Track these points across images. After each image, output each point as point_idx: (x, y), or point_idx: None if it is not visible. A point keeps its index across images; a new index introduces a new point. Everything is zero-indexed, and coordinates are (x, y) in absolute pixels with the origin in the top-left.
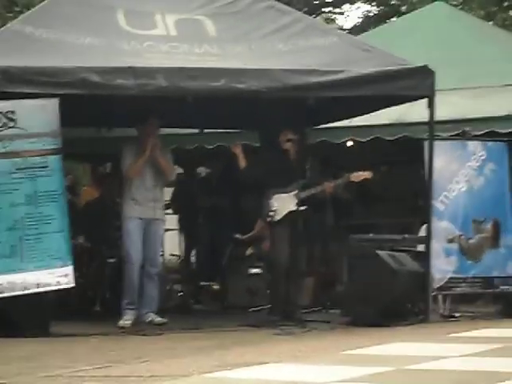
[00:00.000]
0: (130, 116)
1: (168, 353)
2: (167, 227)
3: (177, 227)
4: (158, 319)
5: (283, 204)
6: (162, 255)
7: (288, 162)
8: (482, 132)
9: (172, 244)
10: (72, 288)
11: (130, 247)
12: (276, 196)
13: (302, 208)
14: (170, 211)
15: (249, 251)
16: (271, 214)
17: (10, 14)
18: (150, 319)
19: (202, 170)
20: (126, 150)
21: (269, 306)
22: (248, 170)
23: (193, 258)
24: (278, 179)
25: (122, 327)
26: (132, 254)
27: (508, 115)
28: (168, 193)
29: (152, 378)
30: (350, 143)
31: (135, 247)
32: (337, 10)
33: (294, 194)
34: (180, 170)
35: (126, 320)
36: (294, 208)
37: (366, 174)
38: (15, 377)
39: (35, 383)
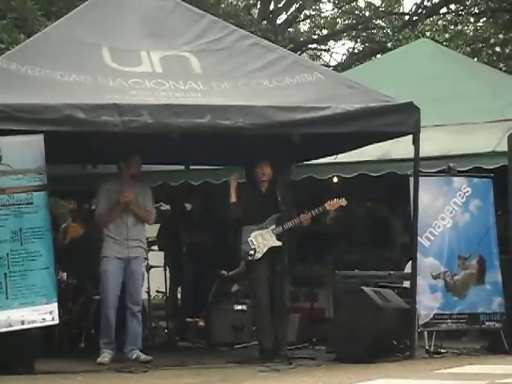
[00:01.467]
0: (114, 153)
1: None
2: (153, 264)
3: (162, 264)
4: (143, 357)
5: (262, 241)
6: (148, 292)
7: (262, 197)
8: (467, 168)
9: (158, 281)
10: (57, 325)
11: (107, 288)
12: (254, 233)
13: (280, 243)
14: (155, 248)
15: (234, 288)
16: (251, 252)
17: None
18: (135, 356)
19: (189, 206)
20: (101, 191)
21: (255, 343)
22: (233, 207)
23: (179, 295)
24: (253, 215)
25: (101, 363)
26: (109, 295)
27: (493, 151)
28: (154, 229)
29: None
30: (335, 179)
31: (112, 288)
32: (322, 47)
33: (271, 229)
34: (166, 207)
35: (104, 357)
36: (273, 244)
37: (340, 202)
38: None
39: None
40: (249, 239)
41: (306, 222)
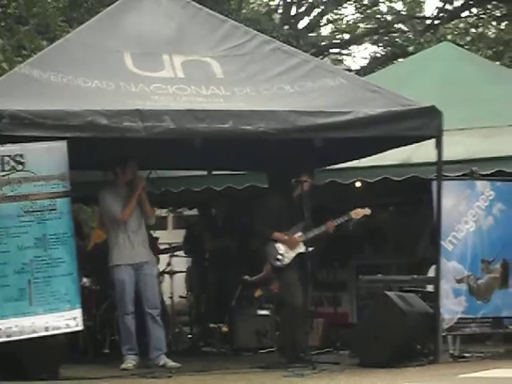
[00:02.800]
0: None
1: None
2: (176, 269)
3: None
4: (171, 363)
5: (290, 247)
6: (171, 297)
7: (292, 204)
8: (490, 172)
9: (181, 286)
10: (81, 330)
11: (123, 297)
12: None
13: (310, 249)
14: (179, 253)
15: (257, 293)
16: (279, 257)
17: (19, 58)
18: (162, 362)
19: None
20: (106, 195)
21: (277, 347)
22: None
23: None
24: (282, 221)
25: (125, 369)
26: (126, 303)
27: None
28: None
29: None
30: (358, 184)
31: (129, 297)
32: (344, 52)
33: (299, 235)
34: (189, 212)
35: (128, 363)
36: (302, 250)
37: (365, 211)
38: None
39: None
40: (276, 244)
41: (331, 229)
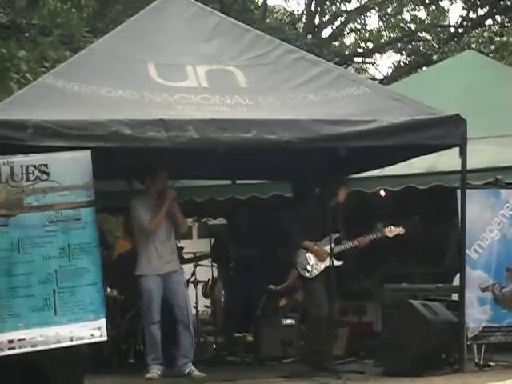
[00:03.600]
0: (161, 168)
1: None
2: (200, 279)
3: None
4: (197, 373)
5: (320, 258)
6: (196, 307)
7: (326, 214)
8: None
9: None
10: (105, 341)
11: (150, 307)
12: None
13: (339, 263)
14: (202, 263)
15: (282, 302)
16: (309, 268)
17: (43, 69)
18: (188, 370)
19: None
20: (137, 204)
21: (302, 357)
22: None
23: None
24: (314, 231)
25: (150, 379)
26: (153, 313)
27: None
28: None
29: None
30: (382, 193)
31: (155, 306)
32: (368, 60)
33: (329, 247)
34: (214, 221)
35: (153, 373)
36: (329, 263)
37: (398, 230)
38: None
39: None
40: (307, 254)
41: (363, 244)
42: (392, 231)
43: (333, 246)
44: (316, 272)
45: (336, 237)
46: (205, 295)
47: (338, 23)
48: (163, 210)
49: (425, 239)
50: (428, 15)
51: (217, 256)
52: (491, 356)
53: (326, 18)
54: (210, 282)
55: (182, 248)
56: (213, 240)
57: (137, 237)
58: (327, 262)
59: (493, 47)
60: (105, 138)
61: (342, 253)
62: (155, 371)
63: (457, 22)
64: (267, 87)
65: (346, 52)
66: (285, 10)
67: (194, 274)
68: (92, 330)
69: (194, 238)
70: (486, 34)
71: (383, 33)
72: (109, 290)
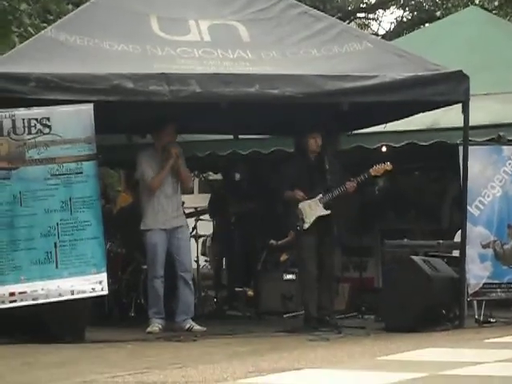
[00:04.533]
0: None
1: (203, 359)
2: (201, 233)
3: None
4: (197, 327)
5: (310, 210)
6: (197, 261)
7: (311, 167)
8: None
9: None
10: (106, 295)
11: (154, 261)
12: (302, 204)
13: (328, 212)
14: (203, 217)
15: (283, 257)
16: (299, 223)
17: (45, 24)
18: (188, 326)
19: (235, 176)
20: (143, 158)
21: (302, 312)
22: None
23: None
24: (302, 185)
25: (150, 332)
26: (157, 267)
27: None
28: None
29: None
30: (384, 149)
31: (160, 261)
32: (370, 16)
33: (318, 198)
34: (215, 177)
35: (154, 327)
36: (321, 213)
37: (385, 166)
38: (49, 382)
39: None
40: (298, 209)
41: (351, 189)
42: (378, 170)
43: (321, 195)
44: (307, 225)
45: (325, 187)
46: (203, 254)
47: None
48: (166, 168)
49: (426, 195)
50: None
51: (214, 211)
52: (491, 312)
53: None
54: (207, 242)
55: (183, 203)
56: (210, 195)
57: (142, 191)
58: (318, 213)
59: (496, 3)
60: (107, 91)
61: (331, 201)
62: (156, 325)
63: None
64: (270, 42)
65: (349, 8)
66: None
67: (195, 228)
68: (93, 284)
69: (196, 192)
70: None
71: None
72: (110, 243)
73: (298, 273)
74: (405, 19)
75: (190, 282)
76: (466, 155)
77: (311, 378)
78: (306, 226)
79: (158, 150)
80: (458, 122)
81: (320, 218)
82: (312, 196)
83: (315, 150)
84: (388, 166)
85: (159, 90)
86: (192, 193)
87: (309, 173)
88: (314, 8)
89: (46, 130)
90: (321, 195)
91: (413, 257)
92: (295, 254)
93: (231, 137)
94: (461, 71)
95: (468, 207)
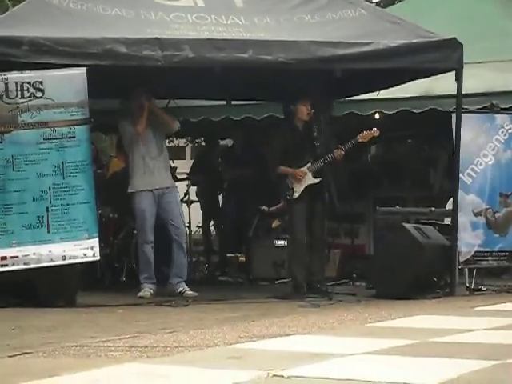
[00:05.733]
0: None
1: (194, 324)
2: (193, 199)
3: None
4: (189, 292)
5: (299, 180)
6: (189, 227)
7: (300, 135)
8: (510, 105)
9: (198, 216)
10: (98, 260)
11: (143, 226)
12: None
13: (317, 180)
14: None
15: (275, 223)
16: (289, 192)
17: None
18: (181, 289)
19: (228, 142)
20: (123, 123)
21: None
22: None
23: (212, 229)
24: (291, 152)
25: (142, 297)
26: (146, 233)
27: None
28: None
29: (178, 349)
30: (377, 116)
31: (149, 226)
32: None
33: (307, 167)
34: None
35: (145, 292)
36: (310, 182)
37: (372, 132)
38: (41, 346)
39: (61, 353)
40: (287, 179)
41: (339, 156)
42: (365, 136)
43: (309, 164)
44: (296, 194)
45: (314, 155)
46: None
47: None
48: (144, 113)
49: (418, 163)
50: None
51: (198, 177)
52: (482, 280)
53: None
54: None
55: (175, 168)
56: (193, 161)
57: (128, 154)
58: (307, 182)
59: None
60: (100, 55)
61: (320, 170)
62: (147, 290)
63: None
64: (264, 8)
65: None
66: None
67: (187, 193)
68: (85, 250)
69: (188, 158)
70: None
71: None
72: (104, 208)
73: (288, 240)
74: None
75: (184, 245)
76: (458, 123)
77: (302, 344)
78: (296, 195)
79: (134, 113)
80: (452, 89)
81: (310, 186)
82: (300, 165)
83: (304, 119)
84: (375, 131)
85: (152, 54)
86: (184, 158)
87: (297, 141)
88: None
89: (39, 94)
90: (309, 164)
91: (404, 224)
92: (286, 222)
93: (224, 102)
94: (454, 39)
95: (460, 175)
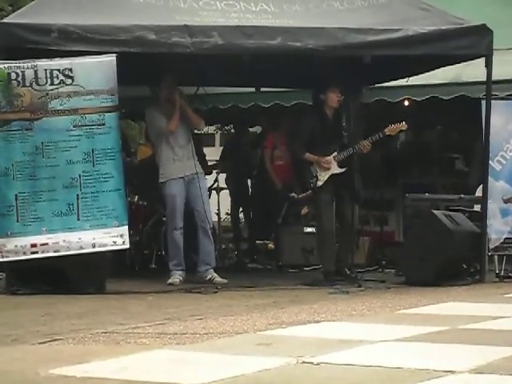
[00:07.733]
0: (185, 75)
1: (223, 310)
2: (222, 186)
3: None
4: (219, 279)
5: (324, 168)
6: (218, 214)
7: (328, 123)
8: None
9: (227, 203)
10: (127, 248)
11: (173, 212)
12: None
13: (342, 170)
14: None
15: (304, 210)
16: (313, 180)
17: None
18: (210, 276)
19: (258, 129)
20: (152, 112)
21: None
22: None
23: (241, 216)
24: (318, 140)
25: (171, 284)
26: (176, 219)
27: None
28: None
29: (207, 335)
30: (406, 102)
31: (179, 212)
32: None
33: (333, 156)
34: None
35: (175, 279)
36: (335, 171)
37: (400, 126)
38: (71, 333)
39: (91, 339)
40: (311, 167)
41: (365, 148)
42: (392, 129)
43: (335, 154)
44: (320, 183)
45: (340, 144)
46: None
47: None
48: (176, 110)
49: (448, 150)
50: None
51: (228, 164)
52: None
53: None
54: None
55: (204, 155)
56: (222, 148)
57: (156, 144)
58: (332, 171)
59: None
60: (129, 42)
61: (345, 159)
62: (177, 277)
63: None
64: None
65: None
66: None
67: (216, 181)
68: (114, 237)
69: (217, 145)
70: None
71: None
72: (133, 196)
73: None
74: None
75: (209, 232)
76: (488, 109)
77: (331, 331)
78: (320, 183)
79: (162, 103)
80: (481, 76)
81: (335, 175)
82: (326, 153)
83: (334, 106)
84: (403, 125)
85: (181, 41)
86: (213, 145)
87: (325, 129)
88: None
89: (69, 81)
90: (335, 153)
91: (434, 211)
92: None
93: (253, 89)
94: (484, 25)
95: (490, 162)
